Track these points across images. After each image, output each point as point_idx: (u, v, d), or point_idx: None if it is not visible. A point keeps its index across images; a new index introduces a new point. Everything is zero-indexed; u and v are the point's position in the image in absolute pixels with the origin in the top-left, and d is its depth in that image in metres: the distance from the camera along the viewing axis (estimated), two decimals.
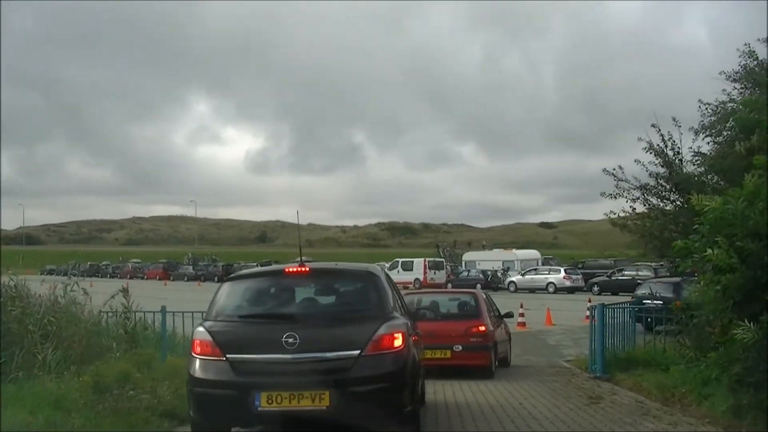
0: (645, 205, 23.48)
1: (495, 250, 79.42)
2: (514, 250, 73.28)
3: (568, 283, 55.32)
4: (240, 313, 8.72)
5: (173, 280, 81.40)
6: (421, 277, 62.64)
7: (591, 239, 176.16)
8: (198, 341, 8.37)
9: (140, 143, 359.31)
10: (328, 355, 8.02)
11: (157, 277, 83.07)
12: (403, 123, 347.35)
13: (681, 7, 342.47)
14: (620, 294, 41.50)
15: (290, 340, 7.96)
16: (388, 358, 8.09)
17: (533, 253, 73.07)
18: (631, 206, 23.62)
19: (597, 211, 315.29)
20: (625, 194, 23.50)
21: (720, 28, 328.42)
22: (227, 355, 8.11)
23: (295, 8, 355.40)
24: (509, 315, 18.74)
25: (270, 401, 7.87)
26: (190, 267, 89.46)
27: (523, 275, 58.91)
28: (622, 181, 23.67)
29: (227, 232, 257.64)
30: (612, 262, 57.91)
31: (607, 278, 51.87)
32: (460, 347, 15.29)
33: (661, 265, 39.06)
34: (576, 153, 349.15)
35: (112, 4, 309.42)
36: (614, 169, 23.77)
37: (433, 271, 63.66)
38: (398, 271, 63.88)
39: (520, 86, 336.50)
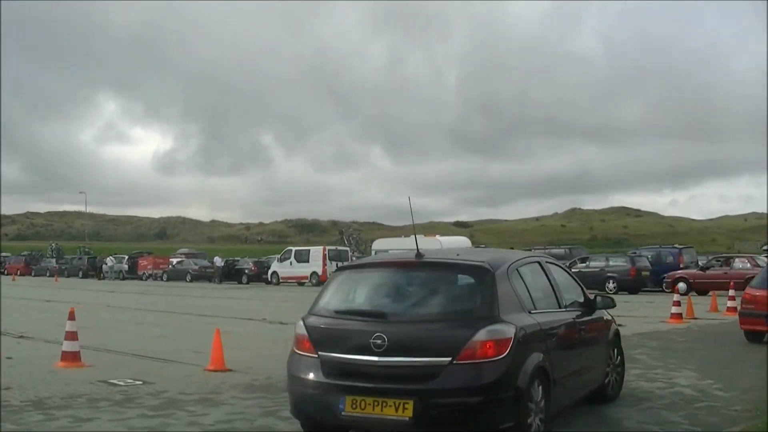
0: None
1: (413, 236, 64.22)
2: (438, 236, 58.66)
3: None
4: (336, 308, 8.24)
5: (35, 275, 74.80)
6: (320, 270, 52.19)
7: (507, 238, 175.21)
8: (297, 336, 8.20)
9: (46, 142, 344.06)
10: (416, 360, 7.33)
11: (18, 271, 75.41)
12: (309, 124, 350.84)
13: (578, 16, 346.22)
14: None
15: (378, 341, 7.40)
16: (482, 368, 7.22)
17: (462, 240, 60.13)
18: None
19: (503, 212, 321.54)
20: None
21: (613, 39, 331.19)
22: (319, 353, 7.79)
23: (199, 7, 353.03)
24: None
25: (354, 406, 7.43)
26: (53, 260, 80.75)
27: None
28: None
29: (124, 228, 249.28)
30: (566, 250, 48.70)
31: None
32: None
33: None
34: (478, 157, 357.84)
35: (17, 2, 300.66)
36: None
37: (334, 263, 52.82)
38: (291, 263, 54.87)
39: (423, 89, 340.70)
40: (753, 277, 35.37)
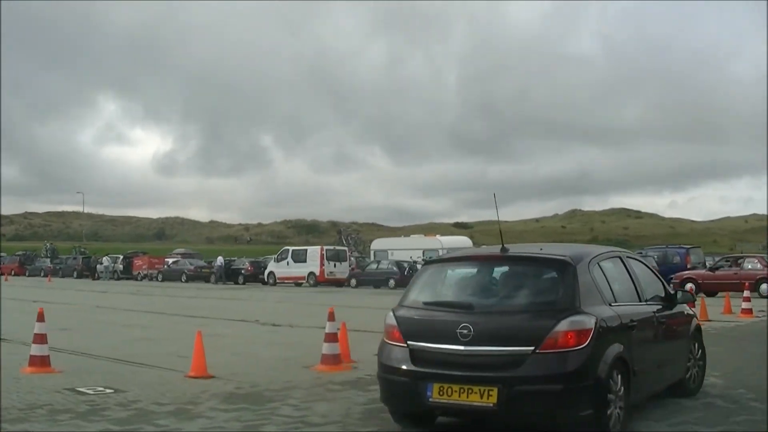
0: None
1: (413, 236, 63.45)
2: (438, 236, 58.21)
3: None
4: (424, 300, 8.62)
5: (29, 275, 73.53)
6: (317, 270, 51.04)
7: (508, 239, 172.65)
8: (387, 326, 8.56)
9: (45, 143, 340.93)
10: (501, 349, 7.69)
11: (12, 271, 74.01)
12: (309, 125, 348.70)
13: (577, 17, 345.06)
14: None
15: (464, 331, 7.77)
16: (564, 358, 7.52)
17: (463, 240, 59.39)
18: None
19: (503, 214, 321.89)
20: None
21: (612, 40, 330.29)
22: (408, 342, 8.19)
23: (199, 8, 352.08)
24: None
25: (441, 393, 7.82)
26: (48, 260, 79.37)
27: None
28: None
29: (122, 228, 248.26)
30: None
31: None
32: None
33: None
34: (478, 158, 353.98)
35: (16, 2, 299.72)
36: None
37: (332, 263, 52.01)
38: (288, 263, 53.78)
39: (423, 90, 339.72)
40: (765, 278, 35.05)
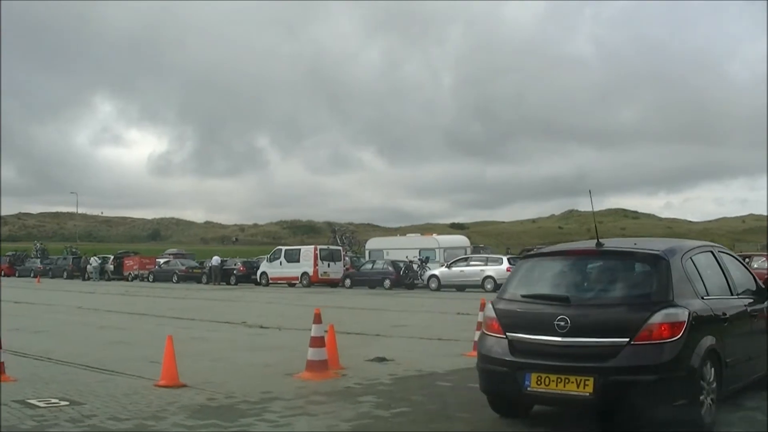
0: None
1: (409, 235, 60.84)
2: (435, 235, 56.65)
3: None
4: (522, 293, 8.83)
5: (19, 276, 72.46)
6: (311, 270, 49.80)
7: (504, 240, 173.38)
8: (486, 318, 8.90)
9: (42, 144, 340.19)
10: (597, 341, 7.90)
11: (2, 272, 72.05)
12: (305, 127, 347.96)
13: (573, 19, 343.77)
14: None
15: (561, 323, 8.00)
16: (658, 349, 7.68)
17: (460, 240, 57.81)
18: None
19: (499, 215, 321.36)
20: None
21: (608, 42, 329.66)
22: (507, 333, 8.45)
23: (195, 9, 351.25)
24: None
25: (539, 382, 8.04)
26: (38, 261, 77.85)
27: (448, 267, 45.28)
28: None
29: (117, 229, 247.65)
30: None
31: None
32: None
33: None
34: (474, 160, 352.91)
35: (12, 3, 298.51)
36: None
37: (326, 263, 50.60)
38: (281, 263, 52.55)
39: (419, 92, 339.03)
40: None
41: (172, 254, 75.33)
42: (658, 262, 8.31)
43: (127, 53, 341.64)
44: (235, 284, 55.35)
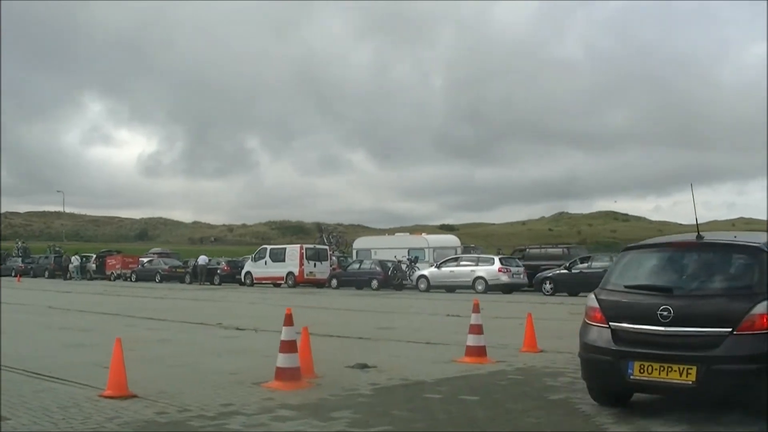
0: None
1: (398, 234, 58.82)
2: (424, 235, 54.92)
3: (504, 278, 40.71)
4: (625, 283, 9.00)
5: (1, 275, 69.33)
6: (296, 270, 48.49)
7: (494, 241, 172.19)
8: (589, 308, 9.08)
9: (31, 143, 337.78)
10: (699, 330, 8.07)
11: None
12: (295, 128, 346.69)
13: (563, 22, 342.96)
14: (581, 294, 33.28)
15: (665, 313, 8.20)
16: (761, 339, 7.77)
17: (450, 239, 56.33)
18: None
19: (490, 217, 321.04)
20: None
21: (597, 45, 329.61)
22: (610, 323, 8.66)
23: (186, 9, 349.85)
24: None
25: (642, 371, 8.24)
26: (19, 260, 76.42)
27: (438, 267, 43.55)
28: None
29: (104, 229, 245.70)
30: (564, 250, 45.22)
31: (565, 271, 38.62)
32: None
33: None
34: (464, 162, 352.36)
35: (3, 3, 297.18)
36: None
37: (312, 263, 49.19)
38: (266, 263, 51.30)
39: (409, 94, 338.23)
40: None
41: (156, 254, 73.85)
42: (759, 255, 8.41)
43: (117, 53, 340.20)
44: (219, 284, 53.92)
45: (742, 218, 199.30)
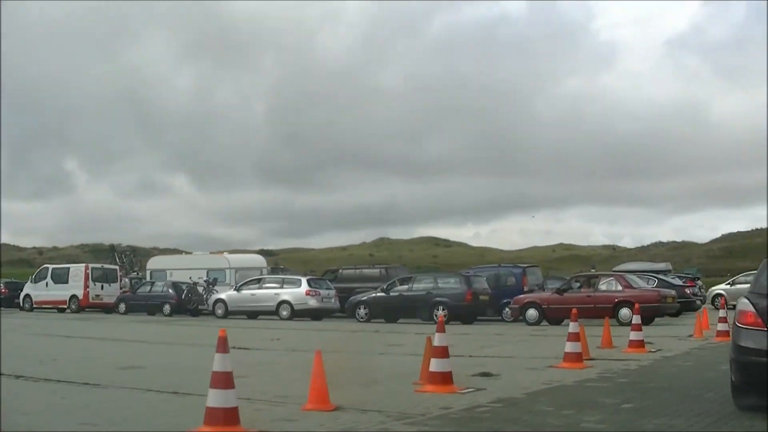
0: None
1: (196, 253, 53.38)
2: (225, 254, 49.58)
3: (313, 303, 35.78)
4: None
5: None
6: (80, 293, 42.62)
7: (314, 266, 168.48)
8: (741, 312, 9.07)
9: None
10: None
11: None
12: (115, 150, 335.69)
13: (385, 52, 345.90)
14: (400, 321, 31.76)
15: None
16: None
17: (255, 259, 50.70)
18: None
19: (310, 243, 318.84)
20: None
21: (418, 75, 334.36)
22: (767, 326, 8.71)
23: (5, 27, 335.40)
24: None
25: None
26: None
27: (237, 290, 38.27)
28: None
29: None
30: (382, 271, 40.69)
31: (382, 294, 34.15)
32: None
33: None
34: (285, 188, 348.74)
35: None
36: None
37: (99, 285, 43.31)
38: (47, 284, 45.00)
39: (232, 119, 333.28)
40: (626, 300, 28.65)
41: None
42: None
43: None
44: None
45: (562, 244, 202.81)
